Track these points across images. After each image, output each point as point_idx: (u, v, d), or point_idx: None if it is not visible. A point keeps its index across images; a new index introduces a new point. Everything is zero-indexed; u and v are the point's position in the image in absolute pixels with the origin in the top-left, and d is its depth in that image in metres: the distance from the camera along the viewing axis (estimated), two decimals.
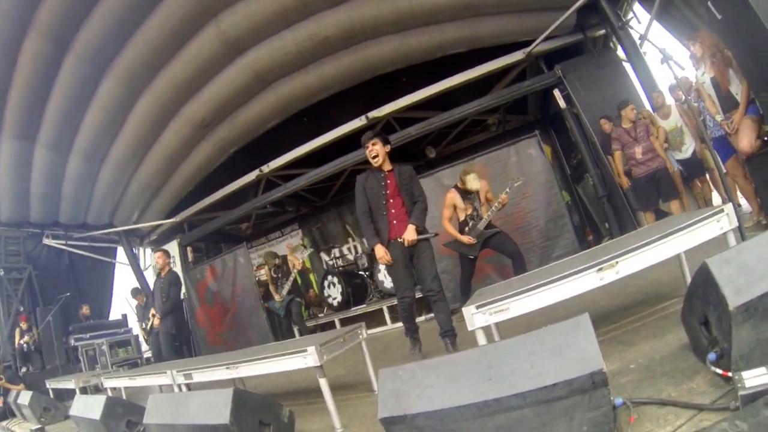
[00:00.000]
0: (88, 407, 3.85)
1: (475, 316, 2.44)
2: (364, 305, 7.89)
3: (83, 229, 10.01)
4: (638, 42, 6.51)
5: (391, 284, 7.26)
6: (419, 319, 4.90)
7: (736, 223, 2.33)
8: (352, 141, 7.62)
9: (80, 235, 10.02)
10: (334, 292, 8.47)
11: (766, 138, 4.11)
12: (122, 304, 12.84)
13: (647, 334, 2.67)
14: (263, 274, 9.20)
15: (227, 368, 3.43)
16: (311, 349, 2.86)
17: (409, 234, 3.87)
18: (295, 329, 7.97)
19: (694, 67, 4.86)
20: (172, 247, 9.99)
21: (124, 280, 10.95)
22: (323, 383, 2.87)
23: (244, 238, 11.52)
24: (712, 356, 1.80)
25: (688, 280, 2.67)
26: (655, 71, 6.45)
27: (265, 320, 8.17)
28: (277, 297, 7.28)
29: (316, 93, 8.12)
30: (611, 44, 7.38)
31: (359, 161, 7.95)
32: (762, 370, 1.55)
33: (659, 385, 1.96)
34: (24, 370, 8.49)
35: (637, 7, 6.70)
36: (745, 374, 1.56)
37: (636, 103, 6.21)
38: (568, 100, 6.89)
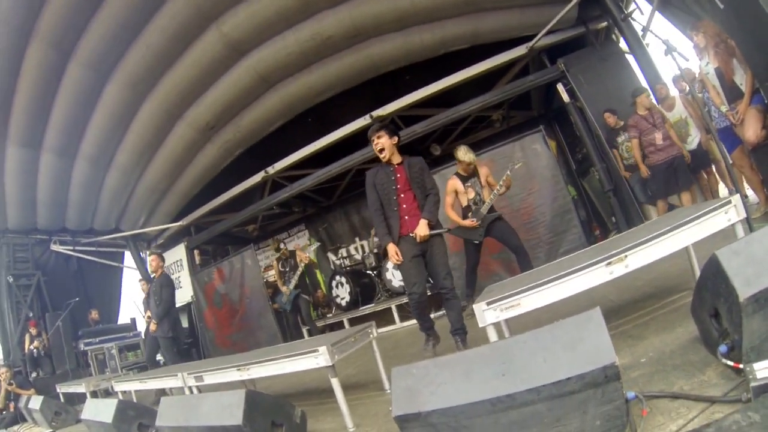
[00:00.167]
0: (99, 411, 3.90)
1: (486, 313, 2.45)
2: (373, 304, 7.89)
3: (90, 234, 10.09)
4: (641, 33, 6.47)
5: (400, 282, 7.28)
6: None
7: (743, 214, 2.33)
8: (357, 140, 7.66)
9: (88, 241, 10.09)
10: (343, 292, 8.49)
11: None
12: (131, 308, 12.90)
13: (657, 328, 2.66)
14: (271, 275, 9.24)
15: (238, 370, 3.44)
16: (323, 349, 2.87)
17: (422, 229, 3.72)
18: (305, 329, 8.00)
19: (697, 57, 4.81)
20: (180, 250, 10.06)
21: (132, 284, 11.00)
22: (335, 383, 2.88)
23: (251, 239, 11.59)
24: (723, 348, 1.79)
25: (697, 272, 2.68)
26: (659, 62, 6.42)
27: (274, 321, 8.20)
28: (284, 289, 7.29)
29: (320, 93, 8.14)
30: (614, 36, 7.32)
31: (365, 160, 7.97)
32: None
33: (671, 379, 1.97)
34: (34, 375, 8.58)
35: None
36: (757, 366, 1.56)
37: None
38: (571, 94, 6.83)
